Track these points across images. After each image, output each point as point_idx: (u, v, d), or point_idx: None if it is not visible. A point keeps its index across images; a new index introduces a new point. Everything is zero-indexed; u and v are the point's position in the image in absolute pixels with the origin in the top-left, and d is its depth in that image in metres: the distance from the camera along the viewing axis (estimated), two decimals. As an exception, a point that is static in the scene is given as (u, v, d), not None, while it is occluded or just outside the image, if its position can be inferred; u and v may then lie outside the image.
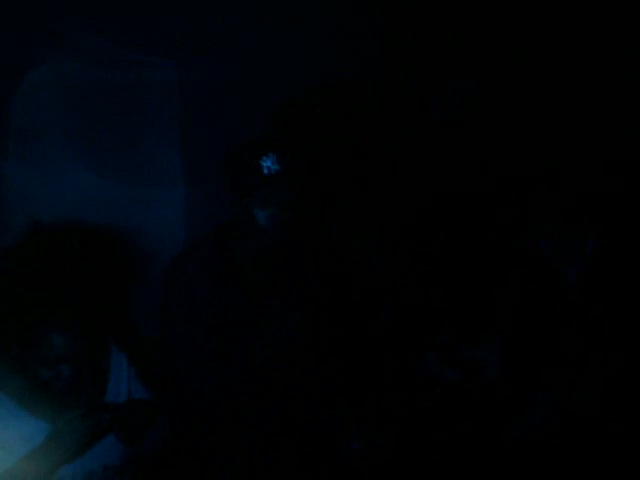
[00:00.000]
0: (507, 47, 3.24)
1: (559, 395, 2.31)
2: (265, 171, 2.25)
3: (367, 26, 3.21)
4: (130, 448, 2.01)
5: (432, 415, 2.31)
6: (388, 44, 3.26)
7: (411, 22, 3.32)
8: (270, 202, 2.26)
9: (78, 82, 2.64)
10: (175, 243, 2.88)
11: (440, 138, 3.24)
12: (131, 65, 2.74)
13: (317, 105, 3.08)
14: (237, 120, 2.97)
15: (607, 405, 2.24)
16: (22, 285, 1.89)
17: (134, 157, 2.84)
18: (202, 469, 2.28)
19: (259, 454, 2.31)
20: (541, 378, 2.33)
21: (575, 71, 3.20)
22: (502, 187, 3.00)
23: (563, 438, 2.24)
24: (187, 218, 3.02)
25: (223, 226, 2.37)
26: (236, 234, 2.33)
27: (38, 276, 1.90)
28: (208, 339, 2.27)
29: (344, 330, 2.44)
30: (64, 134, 2.63)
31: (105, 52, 2.66)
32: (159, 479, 2.19)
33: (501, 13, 3.18)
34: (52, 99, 2.61)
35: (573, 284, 2.41)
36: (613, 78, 3.16)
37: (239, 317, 2.31)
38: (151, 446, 2.07)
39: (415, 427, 2.30)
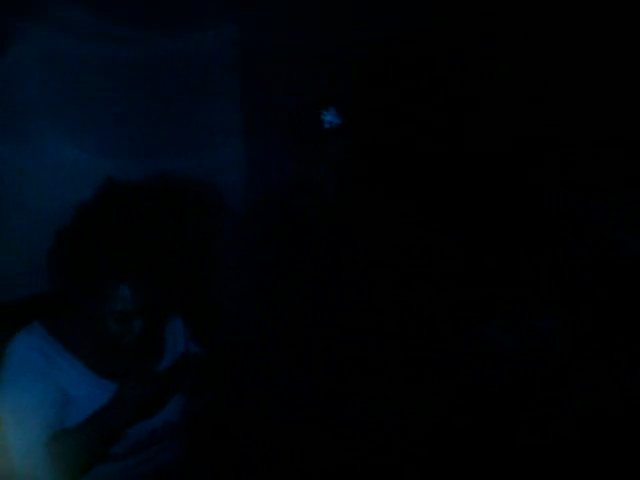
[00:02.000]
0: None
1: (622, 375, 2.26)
2: (326, 125, 2.21)
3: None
4: (190, 404, 2.03)
5: (489, 385, 2.28)
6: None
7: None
8: (330, 157, 2.23)
9: (68, 56, 2.60)
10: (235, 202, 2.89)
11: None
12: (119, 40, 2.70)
13: (384, 63, 3.02)
14: (300, 78, 2.93)
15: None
16: (95, 239, 1.86)
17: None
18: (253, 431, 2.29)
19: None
20: (603, 354, 2.28)
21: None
22: (568, 153, 2.92)
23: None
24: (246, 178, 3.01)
25: (284, 184, 2.35)
26: (298, 192, 2.31)
27: (111, 230, 1.87)
28: (268, 301, 2.26)
29: (406, 295, 2.40)
30: (53, 109, 2.61)
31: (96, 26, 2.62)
32: (215, 435, 2.19)
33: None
34: (40, 73, 2.57)
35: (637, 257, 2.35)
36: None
37: (302, 280, 2.29)
38: (207, 403, 2.08)
39: (472, 398, 2.26)
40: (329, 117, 2.21)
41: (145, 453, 1.99)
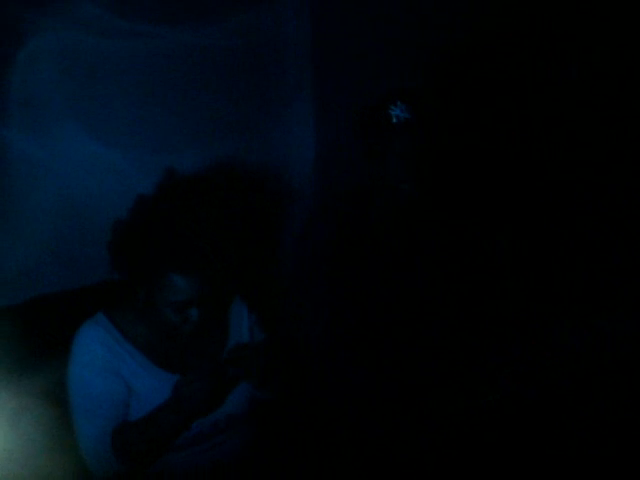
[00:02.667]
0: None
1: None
2: (394, 120, 2.18)
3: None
4: (255, 394, 2.01)
5: (558, 387, 2.23)
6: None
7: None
8: (399, 152, 2.20)
9: (85, 50, 2.57)
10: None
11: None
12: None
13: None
14: (371, 72, 2.89)
15: None
16: (149, 229, 1.87)
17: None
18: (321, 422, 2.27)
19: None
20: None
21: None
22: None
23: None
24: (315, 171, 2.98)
25: (358, 183, 2.32)
26: (371, 191, 2.29)
27: (165, 221, 1.86)
28: (338, 300, 2.24)
29: (476, 295, 2.35)
30: (69, 102, 2.58)
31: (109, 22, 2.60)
32: (279, 428, 2.19)
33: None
34: (57, 67, 2.54)
35: None
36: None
37: (373, 278, 2.26)
38: (272, 393, 2.06)
39: (541, 397, 2.22)
40: (397, 111, 2.19)
41: (207, 443, 1.99)
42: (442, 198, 2.40)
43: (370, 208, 2.31)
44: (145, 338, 1.95)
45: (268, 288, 2.36)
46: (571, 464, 2.07)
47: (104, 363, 1.89)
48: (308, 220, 2.35)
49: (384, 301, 2.28)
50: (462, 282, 2.34)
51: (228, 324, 2.08)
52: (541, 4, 3.07)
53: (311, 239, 2.28)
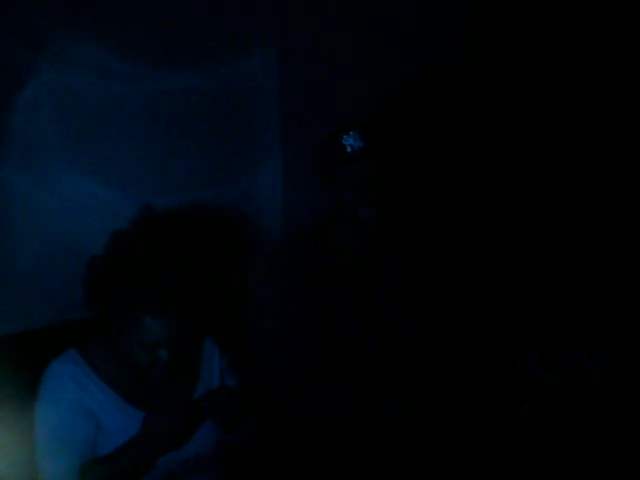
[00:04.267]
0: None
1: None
2: (348, 149, 2.22)
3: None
4: (224, 436, 2.00)
5: (529, 420, 2.23)
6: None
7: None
8: (356, 180, 2.23)
9: (81, 93, 2.62)
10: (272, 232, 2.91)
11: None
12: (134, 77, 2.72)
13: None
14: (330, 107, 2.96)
15: None
16: (122, 270, 1.86)
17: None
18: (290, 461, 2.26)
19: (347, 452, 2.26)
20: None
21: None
22: (609, 189, 2.89)
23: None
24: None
25: (323, 216, 2.36)
26: (335, 222, 2.32)
27: (138, 263, 1.85)
28: (305, 332, 2.25)
29: (445, 327, 2.37)
30: (67, 143, 2.62)
31: (109, 65, 2.66)
32: (249, 470, 2.16)
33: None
34: (57, 108, 2.59)
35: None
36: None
37: (339, 310, 2.28)
38: (243, 435, 2.06)
39: (510, 431, 2.21)
40: (350, 141, 2.22)
41: (178, 483, 1.96)
42: (401, 221, 2.43)
43: (335, 237, 2.33)
44: (116, 374, 1.94)
45: (239, 330, 2.36)
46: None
47: (73, 399, 1.88)
48: (275, 257, 2.36)
49: (354, 328, 2.29)
50: (428, 307, 2.36)
51: (199, 364, 2.08)
52: (498, 35, 3.17)
53: (275, 275, 2.29)
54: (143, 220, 1.94)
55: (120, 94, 2.69)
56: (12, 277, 2.57)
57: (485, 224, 2.92)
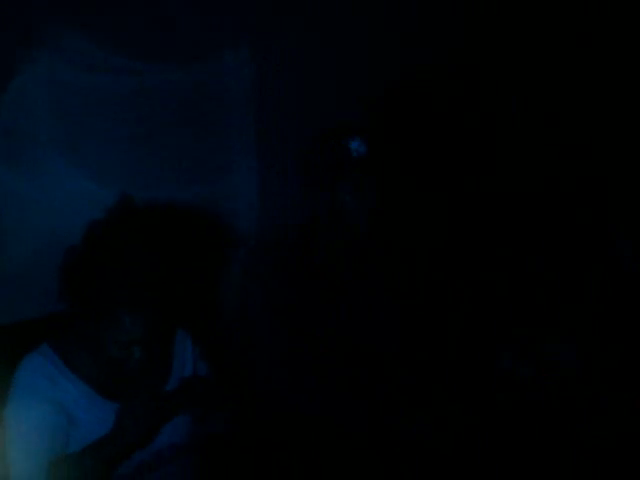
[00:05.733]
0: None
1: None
2: (353, 154, 2.16)
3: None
4: (198, 427, 2.00)
5: (504, 412, 2.25)
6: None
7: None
8: (360, 187, 2.19)
9: (71, 86, 2.64)
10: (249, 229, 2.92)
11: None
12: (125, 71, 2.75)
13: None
14: (315, 109, 2.97)
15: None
16: (96, 268, 1.83)
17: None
18: (266, 453, 2.27)
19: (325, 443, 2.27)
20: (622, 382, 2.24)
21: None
22: (582, 187, 2.92)
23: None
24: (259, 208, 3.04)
25: (306, 218, 2.31)
26: (320, 225, 2.28)
27: (112, 262, 1.83)
28: (282, 330, 2.24)
29: (424, 325, 2.38)
30: (59, 138, 2.64)
31: (99, 58, 2.68)
32: (225, 460, 2.18)
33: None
34: (46, 102, 2.60)
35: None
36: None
37: (317, 310, 2.26)
38: (217, 427, 2.05)
39: (486, 423, 2.23)
40: (355, 145, 2.16)
41: (151, 475, 1.96)
42: (395, 231, 2.40)
43: (317, 240, 2.30)
44: (90, 368, 1.93)
45: (213, 321, 2.37)
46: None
47: (44, 394, 1.86)
48: (252, 255, 2.33)
49: (334, 333, 2.28)
50: (412, 313, 2.35)
51: (171, 356, 2.07)
52: (484, 41, 3.19)
53: (253, 272, 2.27)
54: (120, 211, 1.92)
55: (104, 89, 2.70)
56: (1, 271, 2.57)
57: (462, 220, 2.94)
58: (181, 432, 1.99)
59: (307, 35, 3.01)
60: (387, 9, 3.13)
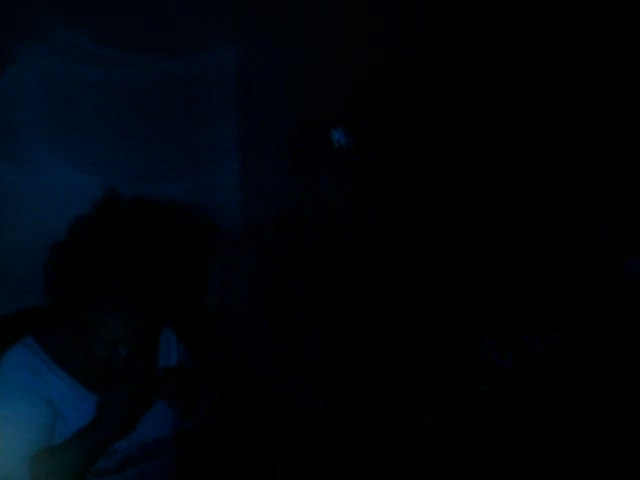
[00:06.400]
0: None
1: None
2: (335, 145, 2.17)
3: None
4: (181, 420, 2.01)
5: (485, 402, 2.27)
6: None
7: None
8: (341, 178, 2.20)
9: (64, 77, 2.63)
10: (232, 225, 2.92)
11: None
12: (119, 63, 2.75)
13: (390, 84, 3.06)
14: (299, 101, 2.97)
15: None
16: (85, 267, 1.83)
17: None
18: (250, 447, 2.28)
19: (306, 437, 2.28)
20: (603, 374, 2.27)
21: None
22: (566, 182, 2.94)
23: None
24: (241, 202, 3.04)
25: (288, 208, 2.32)
26: (303, 215, 2.29)
27: (97, 260, 1.82)
28: (268, 324, 2.24)
29: (409, 315, 2.39)
30: (48, 129, 2.64)
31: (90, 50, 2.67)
32: (208, 453, 2.18)
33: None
34: (36, 93, 2.59)
35: (632, 278, 2.36)
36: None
37: (302, 301, 2.27)
38: (200, 420, 2.06)
39: (467, 414, 2.25)
40: (337, 136, 2.17)
41: (137, 468, 1.97)
42: (377, 222, 2.41)
43: (302, 232, 2.30)
44: (76, 362, 1.93)
45: (197, 316, 2.38)
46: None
47: (28, 387, 1.86)
48: (236, 248, 2.32)
49: (319, 324, 2.29)
50: (396, 303, 2.36)
51: (157, 352, 2.08)
52: (469, 33, 3.21)
53: (238, 265, 2.27)
54: (104, 207, 1.92)
55: (93, 79, 2.69)
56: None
57: (444, 212, 2.96)
58: (166, 426, 2.00)
59: (291, 28, 3.01)
60: (370, 1, 3.13)
